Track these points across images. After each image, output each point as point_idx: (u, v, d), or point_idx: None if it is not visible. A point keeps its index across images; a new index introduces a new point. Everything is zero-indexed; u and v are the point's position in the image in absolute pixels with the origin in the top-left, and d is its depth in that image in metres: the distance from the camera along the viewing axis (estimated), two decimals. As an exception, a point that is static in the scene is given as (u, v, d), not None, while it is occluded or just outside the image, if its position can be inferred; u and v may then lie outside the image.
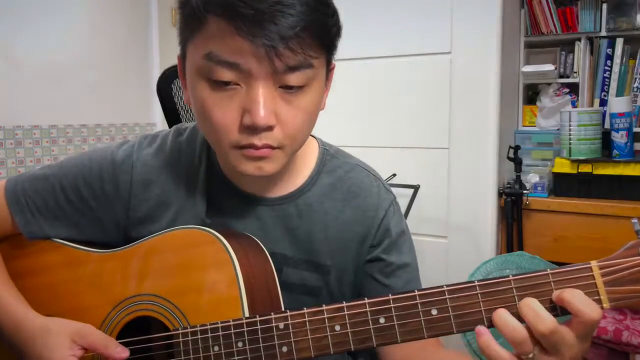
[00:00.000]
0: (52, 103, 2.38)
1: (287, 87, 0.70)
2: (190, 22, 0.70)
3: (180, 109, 1.71)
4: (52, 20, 2.35)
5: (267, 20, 0.64)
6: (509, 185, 2.15)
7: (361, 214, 0.88)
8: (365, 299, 0.67)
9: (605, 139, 2.17)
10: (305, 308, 0.69)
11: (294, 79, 0.69)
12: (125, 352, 0.76)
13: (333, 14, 0.72)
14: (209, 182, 0.86)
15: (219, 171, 0.87)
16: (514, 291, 0.63)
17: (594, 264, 0.62)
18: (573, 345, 0.60)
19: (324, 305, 0.68)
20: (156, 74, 2.54)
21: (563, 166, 2.16)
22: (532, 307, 0.61)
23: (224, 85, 0.69)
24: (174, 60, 0.82)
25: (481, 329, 0.63)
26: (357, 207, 0.88)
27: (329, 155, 0.91)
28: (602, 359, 1.90)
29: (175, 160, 0.87)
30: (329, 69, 0.79)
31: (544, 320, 0.60)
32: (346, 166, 0.91)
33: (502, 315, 0.62)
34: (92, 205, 0.86)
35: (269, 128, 0.70)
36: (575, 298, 0.59)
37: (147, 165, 0.86)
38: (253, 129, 0.70)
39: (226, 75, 0.68)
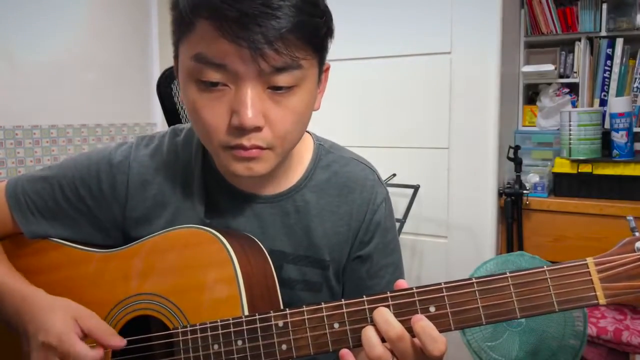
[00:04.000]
0: (52, 103, 2.38)
1: (276, 88, 0.70)
2: (180, 25, 0.71)
3: (180, 109, 1.71)
4: (52, 20, 2.35)
5: (252, 22, 0.64)
6: (509, 185, 2.15)
7: (356, 208, 0.88)
8: (364, 296, 0.67)
9: (605, 139, 2.17)
10: (304, 306, 0.69)
11: (282, 79, 0.69)
12: (122, 342, 0.77)
13: (322, 14, 0.72)
14: (206, 181, 0.87)
15: (215, 171, 0.87)
16: (511, 288, 0.63)
17: (590, 260, 0.62)
18: (419, 354, 0.64)
19: (322, 303, 0.68)
20: (156, 74, 2.54)
21: (563, 166, 2.17)
22: (383, 314, 0.64)
23: (212, 87, 0.70)
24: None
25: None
26: (352, 202, 0.88)
27: (324, 150, 0.91)
28: (602, 359, 1.89)
29: (172, 161, 0.87)
30: (322, 69, 0.78)
31: (394, 327, 0.63)
32: (342, 160, 0.91)
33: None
34: (90, 205, 0.86)
35: (257, 129, 0.70)
36: (424, 331, 0.62)
37: (144, 166, 0.87)
38: (241, 130, 0.70)
39: (214, 76, 0.69)
